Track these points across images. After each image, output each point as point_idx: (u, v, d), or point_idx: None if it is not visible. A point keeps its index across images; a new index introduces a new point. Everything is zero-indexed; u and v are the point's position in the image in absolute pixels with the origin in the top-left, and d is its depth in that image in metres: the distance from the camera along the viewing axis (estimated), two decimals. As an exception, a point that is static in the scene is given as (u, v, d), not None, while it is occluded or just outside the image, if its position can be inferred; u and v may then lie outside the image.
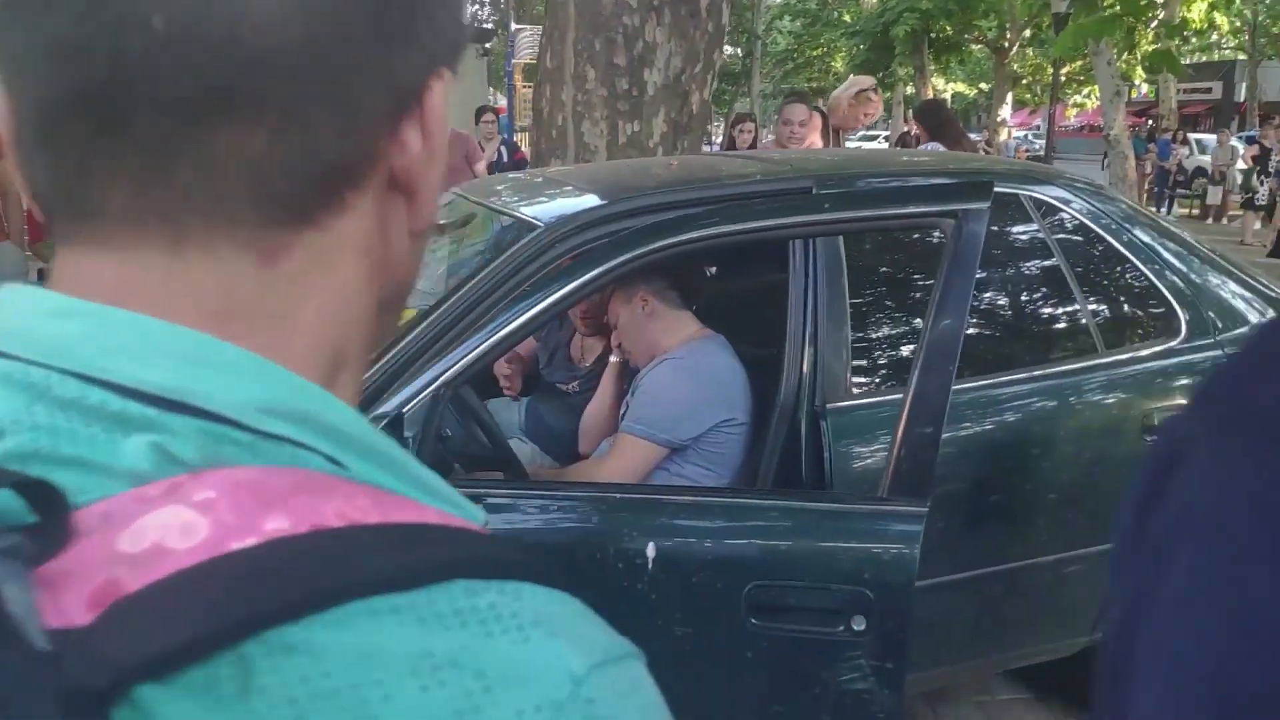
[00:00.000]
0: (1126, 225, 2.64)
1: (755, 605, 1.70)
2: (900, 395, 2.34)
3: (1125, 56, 16.83)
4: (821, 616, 1.69)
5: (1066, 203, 2.63)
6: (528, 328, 1.95)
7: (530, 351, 3.45)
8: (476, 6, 22.53)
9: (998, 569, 2.42)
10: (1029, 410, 2.45)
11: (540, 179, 2.93)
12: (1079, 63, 24.32)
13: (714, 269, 3.52)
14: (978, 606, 2.43)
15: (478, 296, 2.04)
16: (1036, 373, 2.47)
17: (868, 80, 6.04)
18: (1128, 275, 2.62)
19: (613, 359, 2.90)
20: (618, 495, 1.85)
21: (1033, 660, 2.63)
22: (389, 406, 1.93)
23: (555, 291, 1.94)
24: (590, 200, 2.46)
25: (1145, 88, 25.31)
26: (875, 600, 1.65)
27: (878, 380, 2.41)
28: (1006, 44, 23.41)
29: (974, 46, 25.18)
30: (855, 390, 2.35)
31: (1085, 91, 25.12)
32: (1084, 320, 2.54)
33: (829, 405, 2.30)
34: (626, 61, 4.31)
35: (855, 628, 1.66)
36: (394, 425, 1.86)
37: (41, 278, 5.75)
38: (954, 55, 23.93)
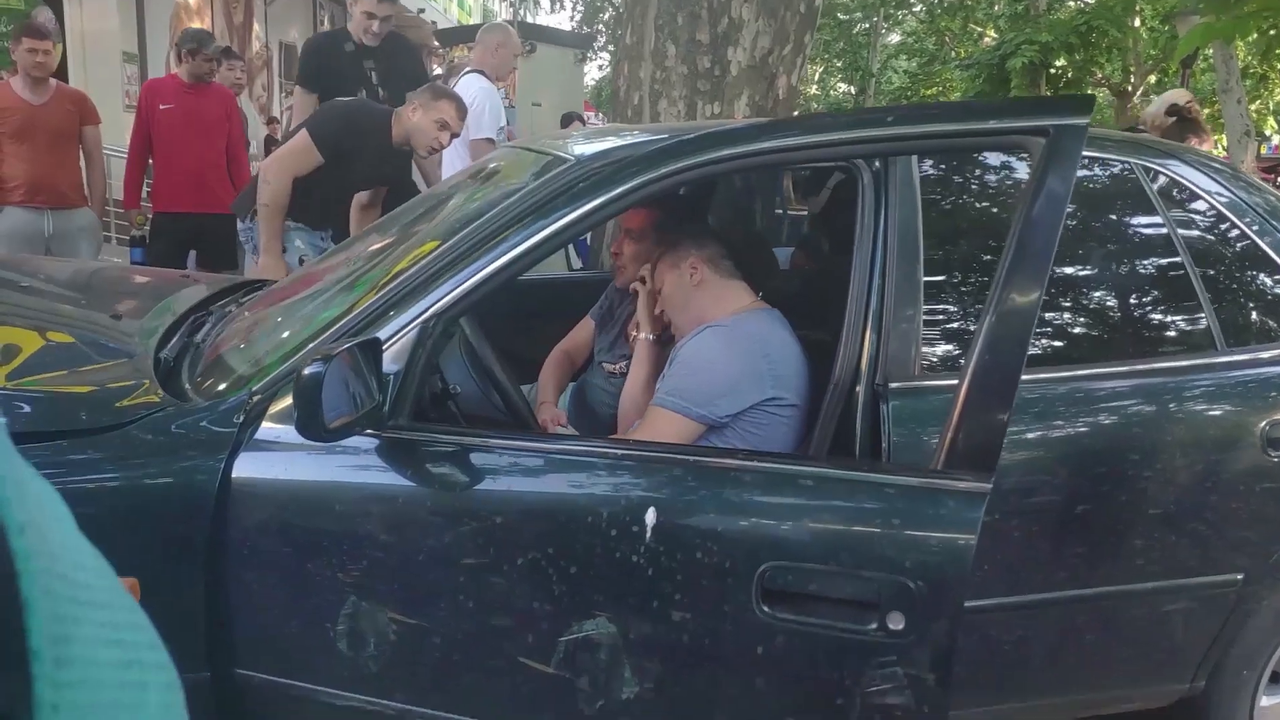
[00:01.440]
0: (1254, 208, 2.26)
1: (768, 591, 1.39)
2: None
3: (1255, 105, 15.96)
4: (850, 610, 1.38)
5: (1189, 179, 2.27)
6: (528, 257, 1.69)
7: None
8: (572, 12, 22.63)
9: (1082, 593, 2.05)
10: (1128, 410, 2.09)
11: (610, 130, 2.68)
12: (1206, 110, 23.28)
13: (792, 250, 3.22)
14: (1055, 636, 2.07)
15: (491, 229, 1.79)
16: (1139, 367, 2.11)
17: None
18: (1254, 263, 2.24)
19: (642, 336, 2.61)
20: (618, 452, 1.56)
21: (1117, 707, 2.24)
22: (375, 333, 1.69)
23: (562, 217, 1.68)
24: (644, 138, 2.20)
25: (1277, 139, 24.09)
26: (919, 594, 1.33)
27: (952, 361, 2.08)
28: (1130, 88, 22.53)
29: (1096, 90, 24.32)
30: (924, 369, 2.02)
31: (1214, 140, 23.99)
32: (1200, 311, 2.17)
33: (892, 384, 1.98)
34: (709, 38, 4.06)
35: (891, 626, 1.34)
36: (370, 356, 1.61)
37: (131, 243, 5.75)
38: (1073, 95, 23.06)
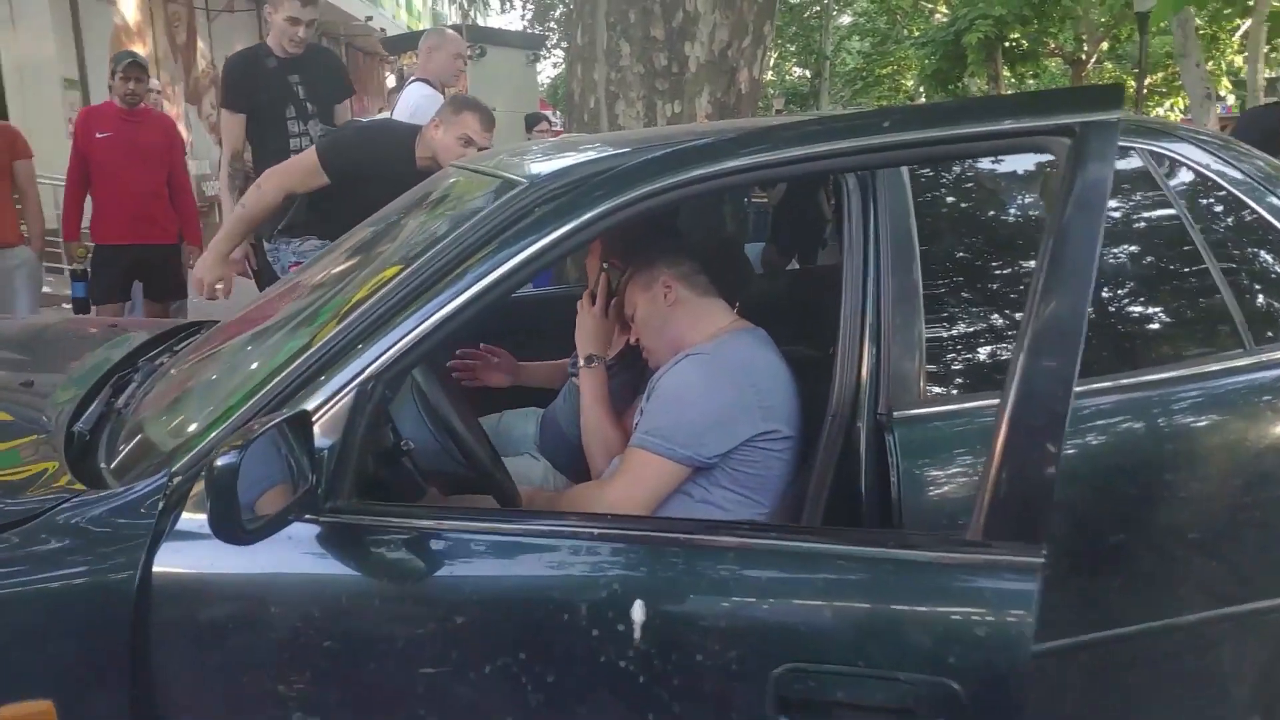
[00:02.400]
0: (1271, 188, 2.07)
1: (787, 699, 1.18)
2: (995, 398, 1.81)
3: (1210, 67, 15.90)
4: None
5: (1195, 161, 2.07)
6: (479, 302, 1.46)
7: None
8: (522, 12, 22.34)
9: (1118, 633, 1.84)
10: (1154, 421, 1.88)
11: (560, 144, 2.45)
12: (1160, 74, 23.27)
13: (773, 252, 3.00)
14: (1089, 682, 1.86)
15: (430, 274, 1.55)
16: (1168, 375, 1.91)
17: None
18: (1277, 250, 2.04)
19: (581, 363, 2.37)
20: (595, 529, 1.34)
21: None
22: (303, 405, 1.45)
23: (516, 254, 1.46)
24: (600, 153, 1.97)
25: (1231, 99, 24.12)
26: (965, 696, 1.11)
27: (963, 380, 1.86)
28: (1084, 56, 22.51)
29: (1049, 60, 24.28)
30: (932, 394, 1.81)
31: (1169, 104, 24.00)
32: (1226, 307, 1.96)
33: (897, 414, 1.77)
34: (665, 34, 3.84)
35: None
36: (299, 432, 1.38)
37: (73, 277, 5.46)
38: (1029, 67, 23.02)
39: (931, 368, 1.83)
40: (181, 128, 10.52)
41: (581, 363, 2.38)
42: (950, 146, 1.32)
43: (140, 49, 11.21)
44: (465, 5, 20.49)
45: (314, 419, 1.42)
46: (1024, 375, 1.17)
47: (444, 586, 1.37)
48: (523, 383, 3.00)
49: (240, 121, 4.27)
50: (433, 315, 1.46)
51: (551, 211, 1.54)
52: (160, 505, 1.49)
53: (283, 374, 1.52)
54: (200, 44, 14.12)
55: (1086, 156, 1.21)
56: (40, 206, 5.23)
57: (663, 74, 3.86)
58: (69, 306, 5.58)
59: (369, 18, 17.95)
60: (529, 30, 18.37)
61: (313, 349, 1.53)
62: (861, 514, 1.81)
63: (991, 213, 2.04)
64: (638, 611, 1.23)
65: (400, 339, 1.46)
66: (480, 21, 19.42)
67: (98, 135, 5.00)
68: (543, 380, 3.01)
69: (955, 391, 1.86)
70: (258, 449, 1.33)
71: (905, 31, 27.39)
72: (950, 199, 2.01)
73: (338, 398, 1.44)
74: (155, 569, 1.46)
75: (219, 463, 1.22)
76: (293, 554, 1.43)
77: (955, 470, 1.78)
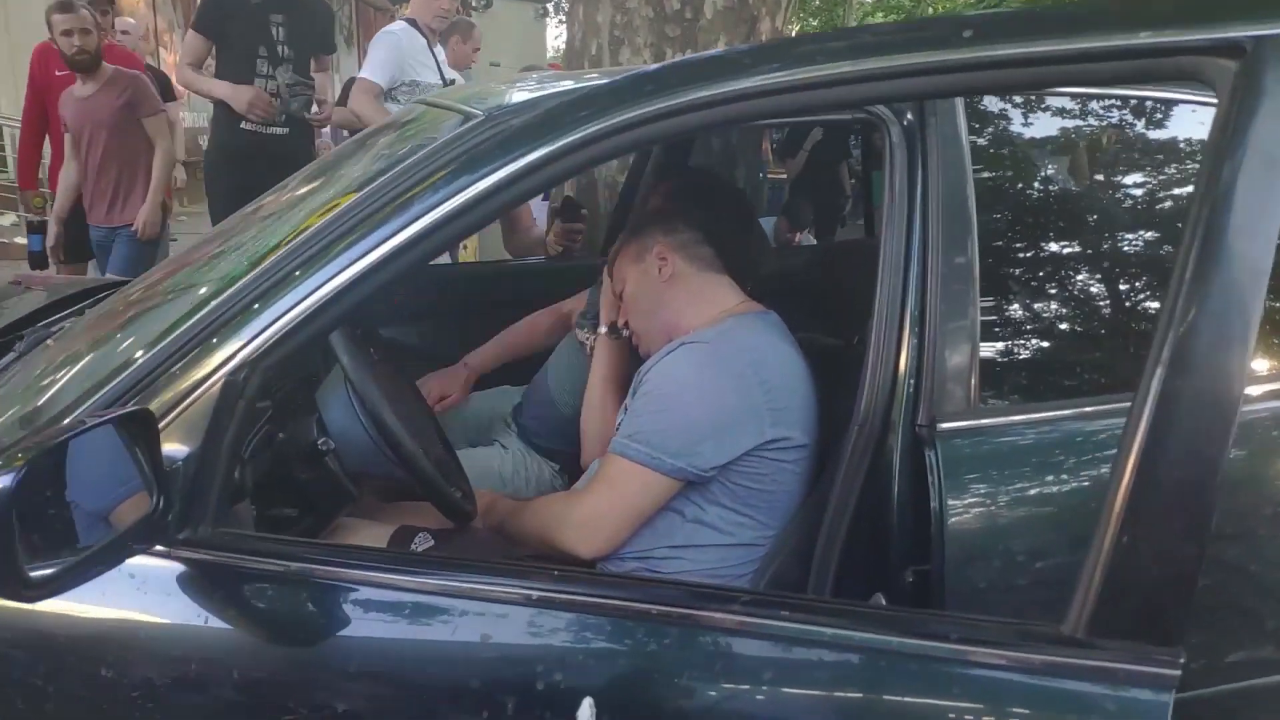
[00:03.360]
0: None
1: None
2: (1069, 408, 1.43)
3: None
4: None
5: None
6: (388, 269, 1.08)
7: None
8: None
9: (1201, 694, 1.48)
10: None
11: (557, 77, 2.07)
12: None
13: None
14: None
15: (341, 227, 1.17)
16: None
17: None
18: None
19: (602, 331, 2.01)
20: (534, 590, 0.96)
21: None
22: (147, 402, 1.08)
23: (437, 206, 1.08)
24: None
25: None
26: None
27: (1027, 385, 1.49)
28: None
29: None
30: (987, 401, 1.43)
31: None
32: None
33: (942, 425, 1.39)
34: (678, -27, 3.41)
35: None
36: (140, 439, 1.00)
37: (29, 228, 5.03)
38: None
39: (987, 368, 1.45)
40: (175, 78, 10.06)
41: (603, 331, 2.00)
42: (1055, 69, 0.93)
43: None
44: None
45: (163, 421, 1.05)
46: (1161, 403, 0.79)
47: (321, 656, 1.00)
48: (499, 363, 2.62)
49: (206, 46, 3.99)
50: (332, 279, 1.08)
51: (494, 149, 1.15)
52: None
53: (138, 362, 1.14)
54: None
55: (1262, 87, 0.82)
56: None
57: (674, 19, 3.44)
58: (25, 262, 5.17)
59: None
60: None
61: (179, 330, 1.15)
62: (891, 548, 1.44)
63: (1077, 172, 1.64)
64: (586, 711, 0.86)
65: (285, 313, 1.07)
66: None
67: (57, 73, 4.54)
68: (523, 346, 2.63)
69: (1017, 398, 1.48)
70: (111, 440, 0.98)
71: (931, 9, 26.69)
72: (1022, 153, 1.62)
73: (197, 393, 1.07)
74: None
75: (-10, 484, 0.85)
76: (134, 598, 1.06)
77: (1015, 499, 1.40)
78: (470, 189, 1.11)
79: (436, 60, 4.01)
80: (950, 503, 1.36)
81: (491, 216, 1.20)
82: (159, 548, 1.05)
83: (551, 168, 1.14)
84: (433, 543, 1.64)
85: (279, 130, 3.98)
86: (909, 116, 1.53)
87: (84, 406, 1.09)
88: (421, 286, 2.70)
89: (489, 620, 0.96)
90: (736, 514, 1.62)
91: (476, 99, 1.57)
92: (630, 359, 2.04)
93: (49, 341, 1.65)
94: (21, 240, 5.42)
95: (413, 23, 3.99)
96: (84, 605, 1.05)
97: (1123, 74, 1.05)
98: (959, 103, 1.53)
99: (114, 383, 1.10)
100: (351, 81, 7.24)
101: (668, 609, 0.99)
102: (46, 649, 1.07)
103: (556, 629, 0.93)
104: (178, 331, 1.10)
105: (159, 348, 1.10)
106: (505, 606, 0.96)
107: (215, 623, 1.05)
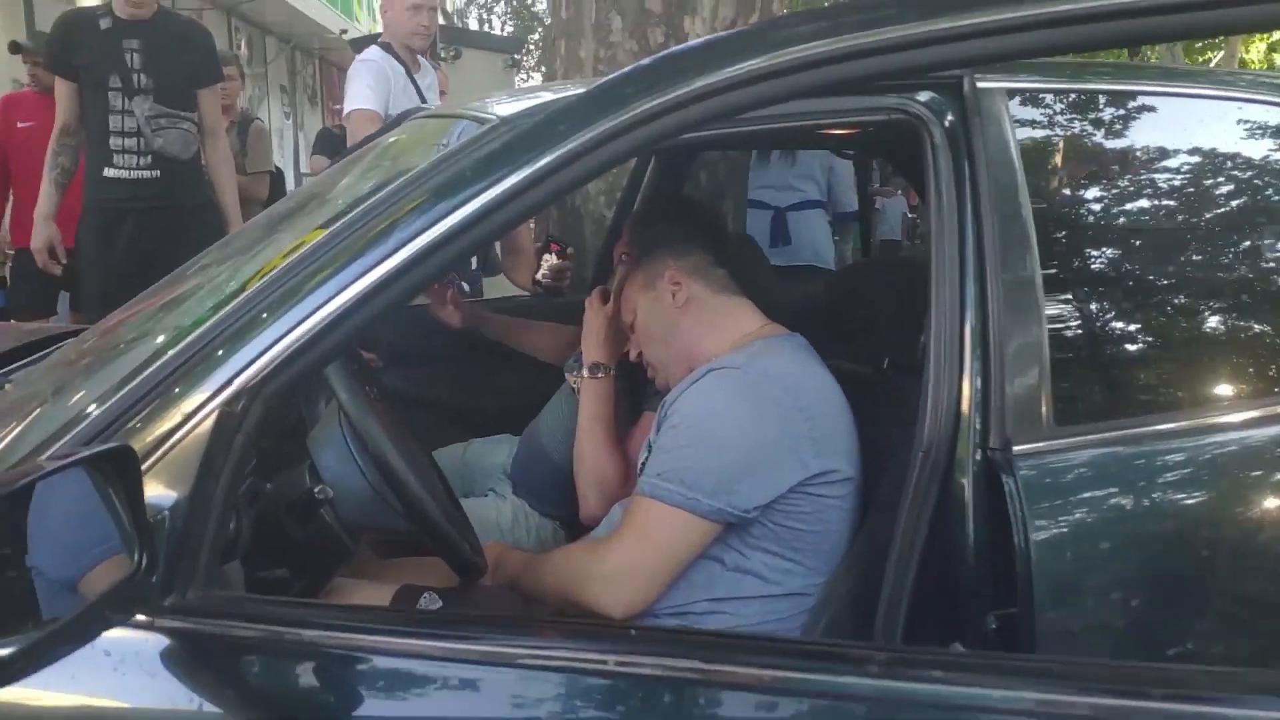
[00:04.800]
0: None
1: None
2: (1156, 424, 1.30)
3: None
4: None
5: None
6: (411, 275, 0.92)
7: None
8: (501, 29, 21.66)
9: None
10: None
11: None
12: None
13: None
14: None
15: (347, 239, 1.01)
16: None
17: None
18: None
19: (584, 373, 1.88)
20: (611, 656, 0.79)
21: None
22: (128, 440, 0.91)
23: (460, 206, 0.93)
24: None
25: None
26: None
27: (1111, 399, 1.35)
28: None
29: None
30: (1063, 420, 1.29)
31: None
32: None
33: (1018, 447, 1.25)
34: (662, 7, 3.34)
35: None
36: (119, 483, 0.84)
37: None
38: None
39: (1059, 385, 1.31)
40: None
41: (585, 372, 1.86)
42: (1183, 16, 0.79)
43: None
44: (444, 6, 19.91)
45: (145, 462, 0.88)
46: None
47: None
48: (491, 334, 2.47)
49: (71, 90, 3.50)
50: (341, 294, 0.92)
51: (518, 147, 1.01)
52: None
53: (117, 395, 0.97)
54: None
55: None
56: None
57: (658, 53, 3.36)
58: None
59: (344, 31, 17.41)
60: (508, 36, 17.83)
61: (165, 356, 0.98)
62: (966, 590, 1.29)
63: (1126, 170, 1.51)
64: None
65: (290, 330, 0.91)
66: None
67: (19, 125, 4.37)
68: (526, 341, 2.49)
69: (1095, 417, 1.34)
70: (79, 492, 0.81)
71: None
72: (1068, 156, 1.49)
73: (186, 427, 0.90)
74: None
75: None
76: (111, 680, 0.88)
77: (1106, 528, 1.26)
78: (496, 188, 0.96)
79: (418, 88, 3.59)
80: (1036, 536, 1.21)
81: (515, 223, 1.06)
82: (139, 617, 0.88)
83: (584, 162, 1.00)
84: (440, 604, 1.47)
85: (144, 174, 3.45)
86: (950, 117, 1.41)
87: (51, 449, 0.92)
88: (406, 326, 2.54)
89: (552, 690, 0.79)
90: (782, 559, 1.46)
91: (487, 107, 1.43)
92: (620, 399, 1.90)
93: (6, 386, 1.48)
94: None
95: (387, 47, 3.58)
96: (45, 691, 0.87)
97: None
98: (1003, 101, 1.42)
99: (86, 421, 0.93)
100: (325, 132, 7.10)
101: (757, 671, 0.83)
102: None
103: (632, 700, 0.77)
104: (165, 357, 0.93)
105: (141, 378, 0.93)
106: (564, 676, 0.80)
107: (210, 708, 0.88)
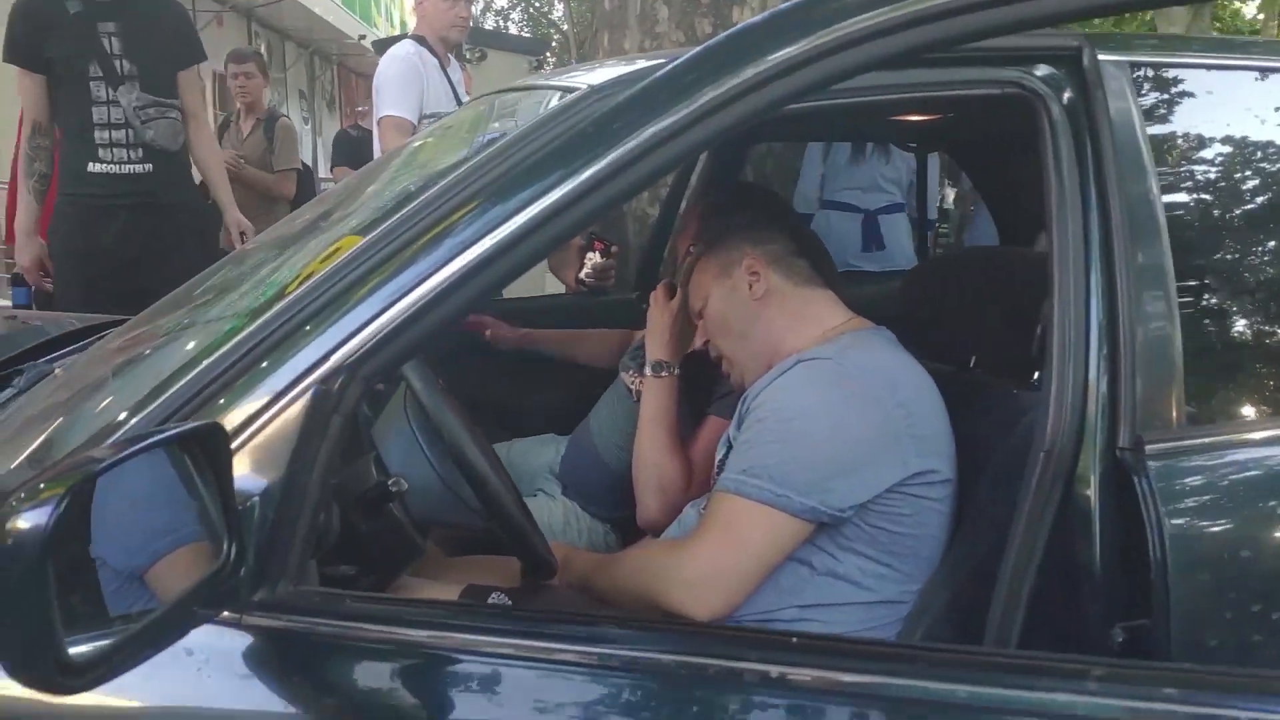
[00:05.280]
0: None
1: None
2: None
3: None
4: None
5: None
6: (521, 247, 0.83)
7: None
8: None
9: None
10: None
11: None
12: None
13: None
14: None
15: (446, 207, 0.92)
16: None
17: None
18: None
19: (647, 372, 1.79)
20: (780, 662, 0.70)
21: None
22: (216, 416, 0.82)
23: (579, 172, 0.84)
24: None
25: None
26: None
27: (1248, 395, 1.25)
28: None
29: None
30: (1193, 415, 1.20)
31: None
32: None
33: (1151, 446, 1.15)
34: (711, -3, 3.25)
35: None
36: (206, 464, 0.75)
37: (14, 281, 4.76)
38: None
39: (1192, 380, 1.21)
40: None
41: (648, 370, 1.77)
42: None
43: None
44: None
45: (236, 441, 0.79)
46: None
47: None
48: (546, 351, 2.40)
49: (39, 84, 3.16)
50: (445, 267, 0.83)
51: (636, 110, 0.92)
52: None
53: (193, 373, 0.88)
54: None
55: None
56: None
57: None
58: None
59: (362, 36, 17.40)
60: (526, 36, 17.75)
61: (246, 330, 0.89)
62: (1090, 599, 1.19)
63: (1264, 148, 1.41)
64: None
65: (390, 305, 0.82)
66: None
67: None
68: (582, 351, 2.41)
69: (1230, 413, 1.25)
70: (148, 477, 0.72)
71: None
72: (1201, 134, 1.40)
73: (278, 405, 0.81)
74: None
75: (17, 524, 0.59)
76: (194, 682, 0.79)
77: (1248, 532, 1.16)
78: (630, 142, 0.87)
79: (451, 83, 3.49)
80: (1171, 541, 1.12)
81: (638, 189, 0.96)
82: (226, 614, 0.79)
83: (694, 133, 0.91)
84: (510, 604, 1.39)
85: (137, 168, 3.19)
86: (1069, 93, 1.32)
87: (120, 432, 0.83)
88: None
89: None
90: (877, 564, 1.36)
91: (570, 76, 1.35)
92: (682, 400, 1.81)
93: (57, 370, 1.39)
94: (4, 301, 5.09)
95: (421, 41, 3.48)
96: (123, 697, 0.78)
97: None
98: (1126, 75, 1.33)
99: (162, 398, 0.84)
100: (342, 134, 7.01)
101: (906, 681, 0.74)
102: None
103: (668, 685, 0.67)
104: (247, 331, 0.84)
105: (223, 350, 0.84)
106: (660, 679, 0.70)
107: (300, 712, 0.79)
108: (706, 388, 1.85)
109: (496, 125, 1.51)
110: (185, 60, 3.31)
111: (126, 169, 3.17)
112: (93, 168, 3.14)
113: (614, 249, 2.87)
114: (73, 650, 0.63)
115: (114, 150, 3.15)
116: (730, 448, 1.46)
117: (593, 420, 2.12)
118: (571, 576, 1.53)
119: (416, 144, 1.63)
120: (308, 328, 0.85)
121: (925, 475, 1.35)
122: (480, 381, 2.55)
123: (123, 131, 3.14)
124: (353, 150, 6.12)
